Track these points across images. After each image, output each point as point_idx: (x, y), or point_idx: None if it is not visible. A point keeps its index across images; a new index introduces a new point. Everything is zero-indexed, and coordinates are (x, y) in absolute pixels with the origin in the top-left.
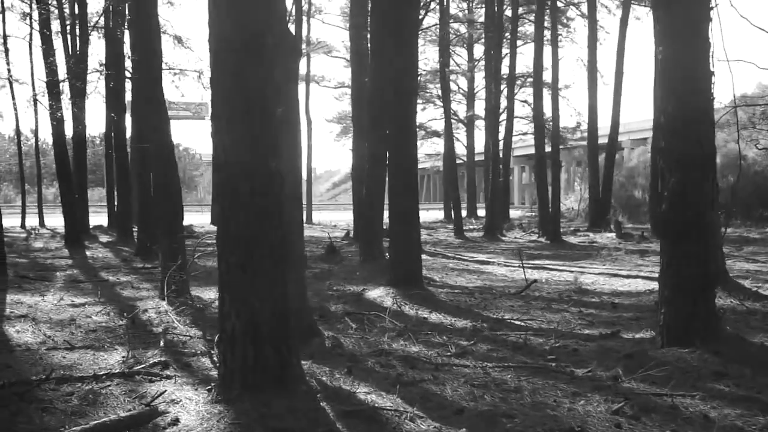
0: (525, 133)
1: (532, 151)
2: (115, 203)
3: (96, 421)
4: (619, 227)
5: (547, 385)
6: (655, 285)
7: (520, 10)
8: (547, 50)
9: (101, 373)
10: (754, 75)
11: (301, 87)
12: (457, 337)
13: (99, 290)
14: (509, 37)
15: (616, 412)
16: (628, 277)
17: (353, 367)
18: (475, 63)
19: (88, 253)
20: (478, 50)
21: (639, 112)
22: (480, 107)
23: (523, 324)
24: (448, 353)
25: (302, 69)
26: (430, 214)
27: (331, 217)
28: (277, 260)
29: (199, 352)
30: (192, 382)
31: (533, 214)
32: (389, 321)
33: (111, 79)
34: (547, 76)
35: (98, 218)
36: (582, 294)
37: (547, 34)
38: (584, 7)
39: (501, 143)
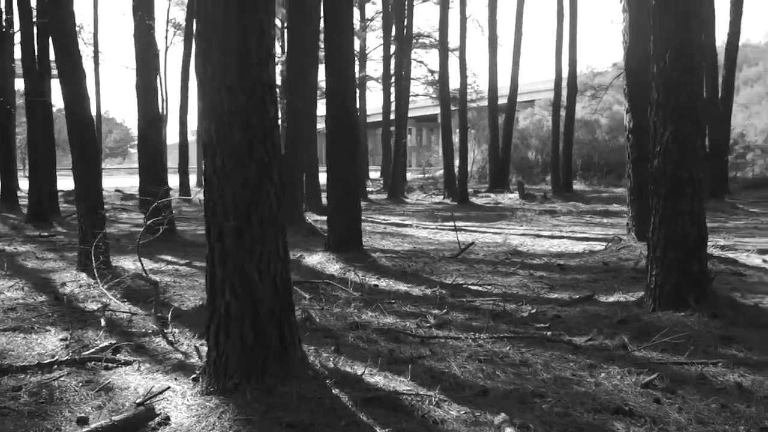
0: (416, 95)
1: (422, 113)
2: None
3: (86, 429)
4: (522, 188)
5: (554, 357)
6: (586, 245)
7: None
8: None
9: (46, 361)
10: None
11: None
12: (424, 305)
13: (4, 262)
14: None
15: (647, 386)
16: (552, 237)
17: (339, 344)
18: (367, 23)
19: None
20: (370, 10)
21: (523, 75)
22: (371, 68)
23: (482, 289)
24: (427, 324)
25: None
26: (322, 176)
27: None
28: (276, 223)
29: (150, 331)
30: (162, 369)
31: (425, 175)
32: (344, 290)
33: None
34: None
35: None
36: (519, 256)
37: None
38: None
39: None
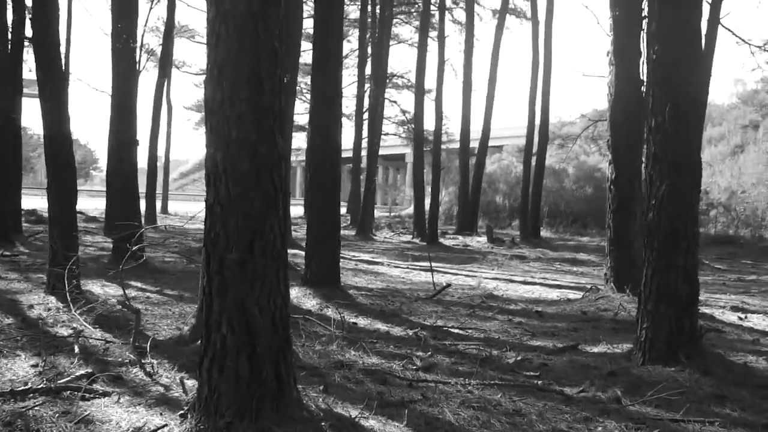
0: (386, 134)
1: (389, 151)
2: None
3: None
4: (491, 232)
5: (548, 408)
6: (559, 293)
7: (395, 10)
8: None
9: (20, 388)
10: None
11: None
12: (407, 346)
13: None
14: (377, 34)
15: None
16: (524, 283)
17: (326, 384)
18: (341, 60)
19: None
20: (344, 48)
21: (493, 121)
22: (343, 104)
23: (464, 333)
24: (413, 367)
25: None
26: (293, 209)
27: (184, 207)
28: (279, 258)
29: (127, 361)
30: (144, 403)
31: (391, 214)
32: (324, 327)
33: None
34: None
35: None
36: (495, 300)
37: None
38: (456, 13)
39: (364, 141)
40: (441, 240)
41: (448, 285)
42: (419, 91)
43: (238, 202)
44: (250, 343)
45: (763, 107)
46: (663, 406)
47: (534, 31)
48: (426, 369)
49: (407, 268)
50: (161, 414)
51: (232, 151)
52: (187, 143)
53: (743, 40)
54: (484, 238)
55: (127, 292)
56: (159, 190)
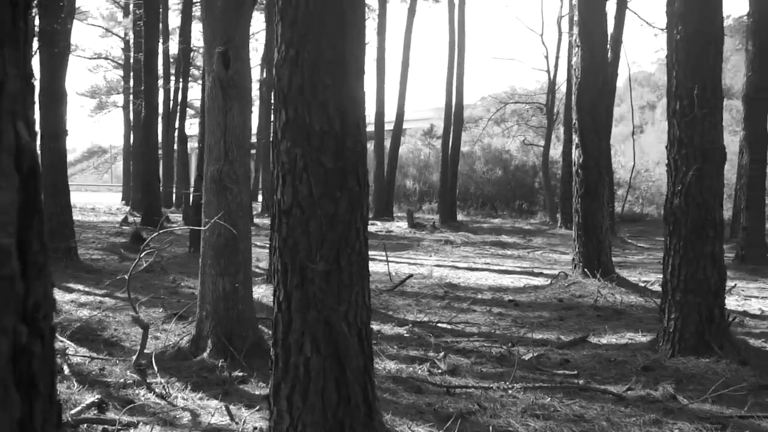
0: None
1: None
2: None
3: None
4: (411, 217)
5: (608, 410)
6: (512, 279)
7: None
8: None
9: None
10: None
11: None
12: (411, 347)
13: None
14: None
15: None
16: (471, 269)
17: None
18: None
19: None
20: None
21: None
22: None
23: (456, 328)
24: (438, 371)
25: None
26: None
27: (80, 199)
28: (364, 267)
29: (130, 381)
30: None
31: None
32: None
33: None
34: None
35: None
36: (457, 289)
37: None
38: None
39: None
40: None
41: (410, 276)
42: None
43: (321, 204)
44: (338, 365)
45: (659, 88)
46: (720, 402)
47: (450, 14)
48: (451, 372)
49: None
50: None
51: (314, 144)
52: (71, 133)
53: (648, 23)
54: (403, 224)
55: (73, 296)
56: None
